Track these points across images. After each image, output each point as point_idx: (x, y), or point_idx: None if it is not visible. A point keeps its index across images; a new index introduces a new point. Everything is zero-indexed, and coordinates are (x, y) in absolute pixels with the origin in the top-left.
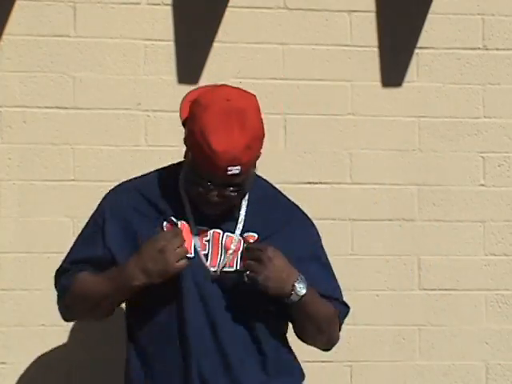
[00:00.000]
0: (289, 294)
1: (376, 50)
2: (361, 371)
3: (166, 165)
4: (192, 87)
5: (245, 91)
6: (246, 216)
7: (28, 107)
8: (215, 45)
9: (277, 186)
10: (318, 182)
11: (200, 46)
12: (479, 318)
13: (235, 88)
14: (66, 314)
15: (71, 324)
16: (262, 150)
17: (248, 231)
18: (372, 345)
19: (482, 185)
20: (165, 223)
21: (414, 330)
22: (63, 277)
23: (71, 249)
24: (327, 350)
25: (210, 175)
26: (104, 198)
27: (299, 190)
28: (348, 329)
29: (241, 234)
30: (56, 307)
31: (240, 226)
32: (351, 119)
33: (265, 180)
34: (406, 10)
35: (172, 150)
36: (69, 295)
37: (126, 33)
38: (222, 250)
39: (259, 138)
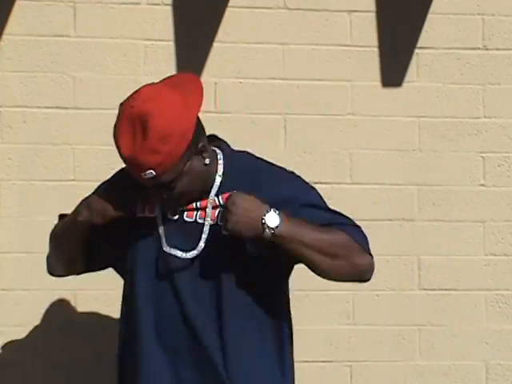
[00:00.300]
0: (262, 230)
1: (376, 50)
2: (361, 371)
3: None
4: None
5: (162, 88)
6: (220, 185)
7: (28, 107)
8: (215, 45)
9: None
10: (318, 181)
11: (200, 46)
12: (479, 318)
13: (150, 87)
14: (47, 265)
15: (71, 324)
16: (183, 148)
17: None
18: (372, 345)
19: (482, 185)
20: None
21: (414, 330)
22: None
23: None
24: (363, 280)
25: (136, 179)
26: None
27: None
28: (348, 329)
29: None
30: (56, 307)
31: (214, 190)
32: (351, 119)
33: (249, 154)
34: (406, 9)
35: None
36: (51, 239)
37: (126, 33)
38: (197, 210)
39: (167, 139)
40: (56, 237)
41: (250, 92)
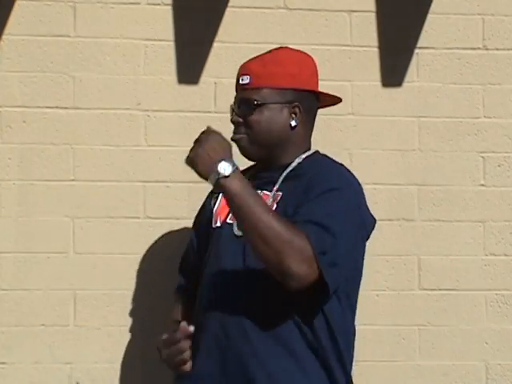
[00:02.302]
0: (210, 172)
1: (376, 50)
2: (361, 371)
3: None
4: (192, 87)
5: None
6: (282, 181)
7: (28, 107)
8: (215, 45)
9: None
10: None
11: (200, 46)
12: (479, 317)
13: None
14: None
15: (72, 324)
16: (285, 84)
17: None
18: (372, 345)
19: (482, 185)
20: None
21: (414, 330)
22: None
23: None
24: (285, 283)
25: (235, 91)
26: None
27: None
28: None
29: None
30: (55, 307)
31: (276, 187)
32: (351, 119)
33: (324, 156)
34: (405, 9)
35: (172, 150)
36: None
37: (126, 33)
38: None
39: (280, 64)
40: None
41: None
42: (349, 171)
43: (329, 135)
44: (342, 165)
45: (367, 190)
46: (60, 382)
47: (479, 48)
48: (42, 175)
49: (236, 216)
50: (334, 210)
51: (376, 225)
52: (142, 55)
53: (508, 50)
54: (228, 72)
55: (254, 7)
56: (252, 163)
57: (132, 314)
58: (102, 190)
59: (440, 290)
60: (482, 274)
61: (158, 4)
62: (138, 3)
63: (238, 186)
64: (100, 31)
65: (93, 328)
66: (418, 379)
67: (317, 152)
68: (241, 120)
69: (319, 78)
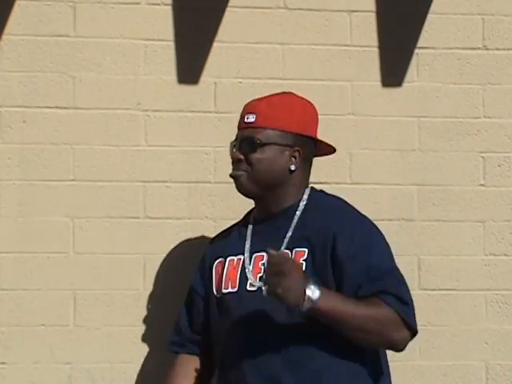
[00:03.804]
0: (302, 301)
1: (376, 50)
2: None
3: None
4: (192, 87)
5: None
6: (293, 232)
7: (28, 107)
8: (215, 45)
9: None
10: (318, 181)
11: (200, 46)
12: (479, 317)
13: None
14: None
15: (72, 324)
16: (289, 128)
17: (298, 246)
18: None
19: (482, 185)
20: (216, 262)
21: None
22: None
23: None
24: (397, 350)
25: (237, 130)
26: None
27: None
28: None
29: (289, 248)
30: (55, 307)
31: (285, 241)
32: (351, 119)
33: (330, 195)
34: (406, 10)
35: (172, 150)
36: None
37: (126, 33)
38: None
39: (288, 108)
40: None
41: (250, 92)
42: (352, 207)
43: (329, 135)
44: (341, 199)
45: (367, 189)
46: (60, 382)
47: (479, 48)
48: (42, 175)
49: (332, 323)
50: (379, 257)
51: (376, 225)
52: (141, 55)
53: (508, 49)
54: (228, 72)
55: (254, 7)
56: (245, 199)
57: (132, 313)
58: (101, 190)
59: (440, 289)
60: (482, 274)
61: (158, 4)
62: (138, 3)
63: (327, 302)
64: (100, 31)
65: (93, 328)
66: (418, 379)
67: (313, 190)
68: (242, 157)
69: (319, 78)
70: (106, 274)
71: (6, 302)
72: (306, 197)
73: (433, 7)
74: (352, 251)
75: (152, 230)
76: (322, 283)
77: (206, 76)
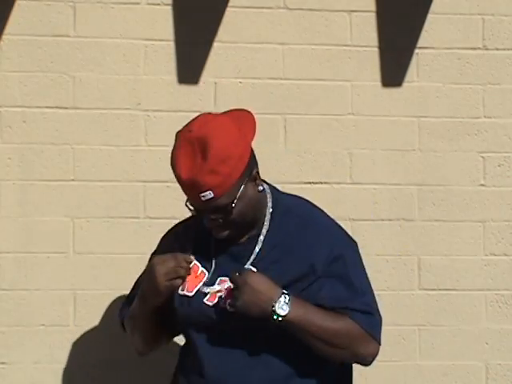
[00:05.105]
0: (270, 315)
1: (376, 50)
2: (361, 371)
3: None
4: (192, 87)
5: (218, 116)
6: (262, 246)
7: (28, 107)
8: (215, 45)
9: (279, 187)
10: (318, 181)
11: (200, 46)
12: (479, 317)
13: (206, 114)
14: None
15: (72, 324)
16: (241, 170)
17: (262, 259)
18: None
19: (482, 185)
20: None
21: (414, 329)
22: (122, 311)
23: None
24: (363, 364)
25: (192, 203)
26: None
27: (299, 190)
28: None
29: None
30: (55, 307)
31: (251, 258)
32: (351, 119)
33: (296, 196)
34: (405, 10)
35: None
36: (126, 326)
37: (126, 33)
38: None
39: (226, 160)
40: (130, 324)
41: (250, 92)
42: (314, 206)
43: (329, 135)
44: (298, 197)
45: (367, 189)
46: (60, 382)
47: (479, 48)
48: (42, 175)
49: (301, 336)
50: (349, 270)
51: (376, 225)
52: (141, 55)
53: (508, 49)
54: (228, 72)
55: (254, 7)
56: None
57: None
58: (101, 190)
59: (440, 289)
60: (482, 274)
61: (158, 4)
62: (138, 3)
63: (296, 314)
64: (100, 31)
65: (93, 328)
66: (418, 379)
67: (274, 195)
68: (221, 221)
69: (319, 78)
70: (106, 274)
71: (6, 302)
72: (270, 205)
73: (433, 7)
74: (325, 266)
75: (152, 229)
76: (291, 291)
77: (206, 76)
